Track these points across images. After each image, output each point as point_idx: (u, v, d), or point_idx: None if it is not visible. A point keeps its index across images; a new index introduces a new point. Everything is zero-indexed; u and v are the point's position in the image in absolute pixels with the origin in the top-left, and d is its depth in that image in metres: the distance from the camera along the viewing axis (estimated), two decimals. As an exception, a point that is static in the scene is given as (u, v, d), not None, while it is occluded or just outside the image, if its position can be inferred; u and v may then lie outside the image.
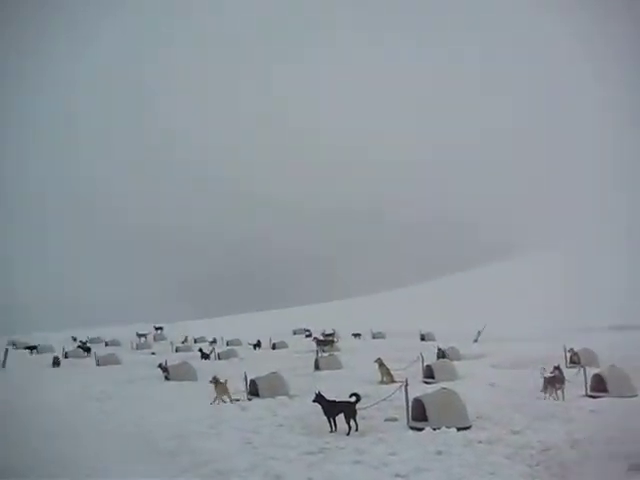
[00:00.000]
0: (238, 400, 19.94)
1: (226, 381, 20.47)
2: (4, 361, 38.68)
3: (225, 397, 19.94)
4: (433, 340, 50.56)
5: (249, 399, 20.14)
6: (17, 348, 59.47)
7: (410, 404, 15.09)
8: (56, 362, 38.57)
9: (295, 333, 77.74)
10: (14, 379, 29.71)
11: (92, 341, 65.23)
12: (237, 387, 21.29)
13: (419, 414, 14.84)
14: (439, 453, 11.95)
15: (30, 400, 21.85)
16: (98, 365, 37.66)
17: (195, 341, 64.62)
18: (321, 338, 52.43)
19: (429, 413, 14.54)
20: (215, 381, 20.35)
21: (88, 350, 49.56)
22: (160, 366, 28.93)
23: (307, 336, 69.28)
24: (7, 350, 42.50)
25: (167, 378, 27.61)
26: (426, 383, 23.02)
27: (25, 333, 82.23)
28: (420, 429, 14.13)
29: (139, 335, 72.11)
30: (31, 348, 56.42)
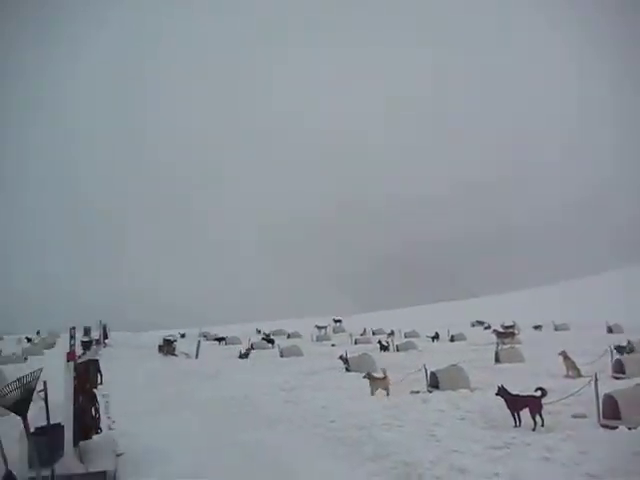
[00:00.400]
0: (418, 392, 19.98)
1: (385, 375, 20.73)
2: (197, 352, 41.46)
3: (384, 390, 20.11)
4: (621, 332, 47.65)
5: (429, 391, 20.08)
6: (208, 340, 63.49)
7: (601, 400, 14.33)
8: (245, 354, 40.43)
9: (473, 325, 76.47)
10: (206, 369, 31.68)
11: (275, 333, 68.05)
12: (417, 379, 21.34)
13: (611, 411, 14.00)
14: (637, 454, 11.20)
15: (221, 389, 23.27)
16: (282, 356, 39.16)
17: (373, 333, 65.37)
18: (501, 330, 51.09)
19: (623, 411, 13.66)
20: (369, 376, 20.69)
21: (272, 342, 51.70)
22: (341, 357, 29.62)
23: (486, 328, 67.89)
24: (199, 342, 45.56)
25: (347, 369, 28.22)
26: (616, 378, 21.71)
27: (215, 325, 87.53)
28: (613, 427, 13.35)
29: (319, 327, 74.13)
30: (220, 340, 59.95)
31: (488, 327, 67.53)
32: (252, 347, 47.41)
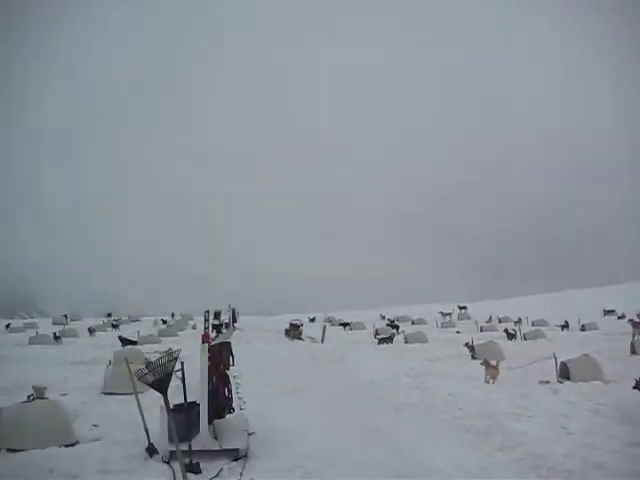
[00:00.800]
0: (548, 382, 19.42)
1: (497, 363, 20.39)
2: (322, 337, 42.18)
3: (492, 379, 19.73)
4: None
5: (560, 382, 19.44)
6: (332, 325, 64.42)
7: None
8: (387, 339, 40.46)
9: (606, 314, 73.20)
10: (332, 354, 32.18)
11: (399, 319, 67.99)
12: (546, 369, 20.74)
13: None
14: None
15: (346, 374, 23.59)
16: (406, 342, 39.16)
17: (499, 321, 64.11)
18: (637, 320, 48.57)
19: None
20: (486, 363, 20.35)
21: (396, 328, 51.72)
22: (466, 345, 29.24)
23: (619, 317, 64.83)
24: (325, 327, 46.35)
25: (473, 357, 27.80)
26: None
27: (337, 311, 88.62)
28: None
29: (443, 314, 73.44)
30: (344, 325, 60.66)
31: (622, 316, 64.46)
32: (377, 332, 47.63)
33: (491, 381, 19.70)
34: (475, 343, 29.16)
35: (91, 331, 53.55)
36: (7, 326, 63.64)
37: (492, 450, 11.21)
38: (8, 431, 11.57)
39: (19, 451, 11.14)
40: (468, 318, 72.82)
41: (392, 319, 67.49)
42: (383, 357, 29.81)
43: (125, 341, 38.49)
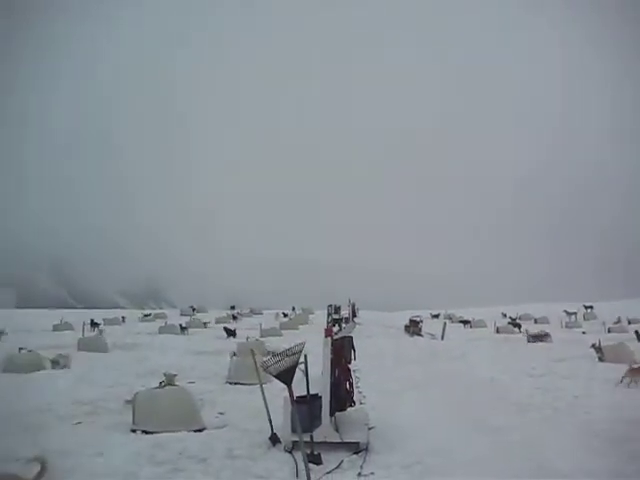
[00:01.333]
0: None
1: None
2: (442, 334, 41.83)
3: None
4: None
5: (698, 387, 18.33)
6: (452, 322, 63.81)
7: None
8: (537, 337, 39.72)
9: None
10: (452, 351, 31.83)
11: (521, 318, 66.24)
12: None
13: None
14: None
15: (467, 371, 23.29)
16: (528, 342, 38.23)
17: (629, 322, 61.11)
18: None
19: None
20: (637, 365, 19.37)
21: (518, 326, 50.54)
22: (593, 346, 28.03)
23: None
24: (445, 324, 45.98)
25: (601, 359, 26.66)
26: None
27: (457, 308, 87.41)
28: None
29: (568, 313, 70.81)
30: (465, 322, 59.92)
31: None
32: (498, 331, 46.52)
33: (626, 384, 18.84)
34: (603, 345, 27.90)
35: (183, 328, 48.58)
36: (146, 315, 68.35)
37: (623, 457, 10.71)
38: (142, 414, 12.37)
39: (153, 433, 11.85)
40: (594, 318, 69.83)
41: (514, 317, 65.92)
42: (503, 355, 29.18)
43: (228, 331, 41.25)
